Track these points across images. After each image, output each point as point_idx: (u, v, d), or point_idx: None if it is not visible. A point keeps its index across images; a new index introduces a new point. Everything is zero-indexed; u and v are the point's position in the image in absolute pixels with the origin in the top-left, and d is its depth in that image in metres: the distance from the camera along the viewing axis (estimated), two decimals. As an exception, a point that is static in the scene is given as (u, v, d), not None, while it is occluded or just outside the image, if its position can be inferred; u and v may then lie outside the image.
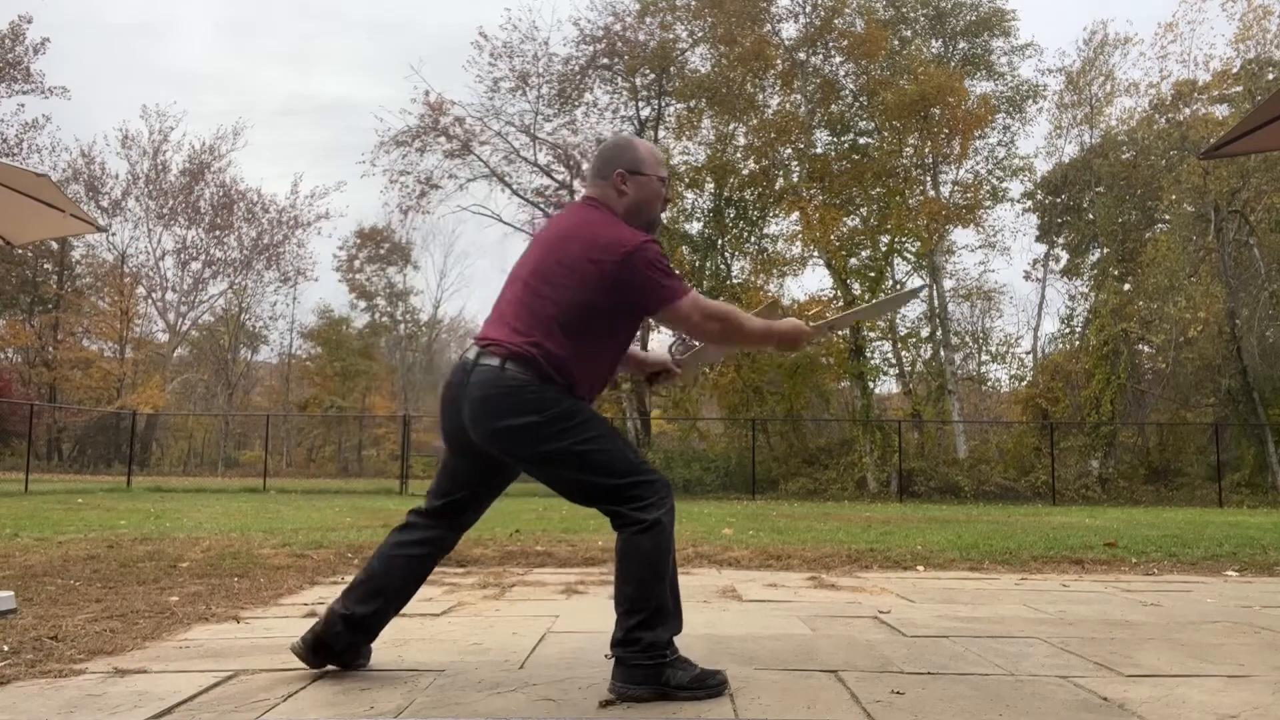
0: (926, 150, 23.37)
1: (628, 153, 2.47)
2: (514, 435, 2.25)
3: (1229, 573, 5.33)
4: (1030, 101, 25.81)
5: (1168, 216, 23.43)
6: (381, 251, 43.76)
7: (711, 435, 25.41)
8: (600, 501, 2.29)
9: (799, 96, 23.55)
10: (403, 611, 3.51)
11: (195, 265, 39.48)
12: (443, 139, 25.16)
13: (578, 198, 2.58)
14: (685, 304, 2.32)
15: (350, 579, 4.44)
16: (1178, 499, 19.20)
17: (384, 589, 2.44)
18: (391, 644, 2.89)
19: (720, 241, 24.22)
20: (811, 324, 2.46)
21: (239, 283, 40.68)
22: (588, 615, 3.52)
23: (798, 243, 23.23)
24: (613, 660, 2.25)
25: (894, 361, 24.34)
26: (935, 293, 24.91)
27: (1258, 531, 8.57)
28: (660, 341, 2.79)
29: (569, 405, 2.27)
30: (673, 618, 2.28)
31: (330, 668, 2.49)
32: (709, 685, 2.23)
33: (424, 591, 4.10)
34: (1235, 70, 22.65)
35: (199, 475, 31.46)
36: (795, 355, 23.20)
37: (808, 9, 23.45)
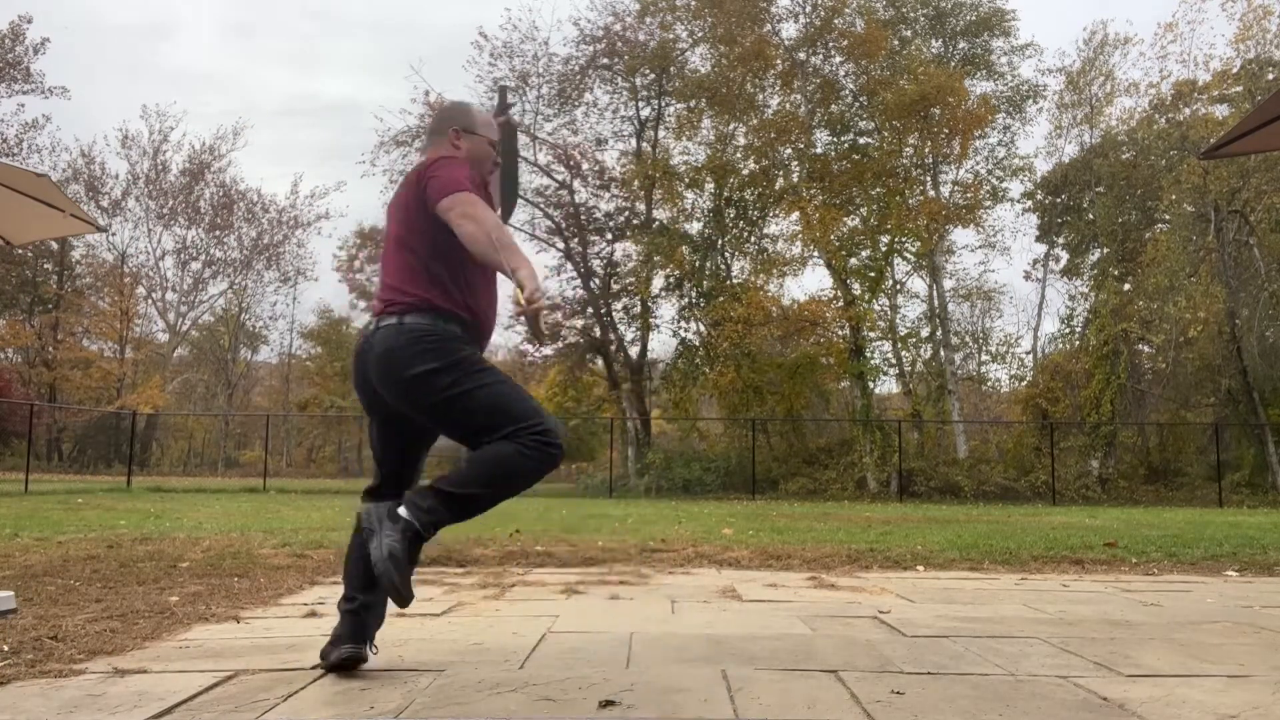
0: (926, 150, 23.36)
1: (463, 115, 2.59)
2: (416, 383, 2.29)
3: (1229, 573, 5.33)
4: (1030, 101, 25.81)
5: (1168, 216, 23.42)
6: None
7: (711, 435, 25.41)
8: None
9: (799, 96, 23.54)
10: (402, 611, 3.52)
11: (195, 265, 39.54)
12: (443, 139, 25.13)
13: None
14: (449, 200, 2.27)
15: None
16: (1178, 499, 19.19)
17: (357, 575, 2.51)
18: (391, 644, 2.89)
19: (720, 241, 24.20)
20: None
21: (239, 283, 40.73)
22: (588, 615, 3.52)
23: (798, 243, 23.23)
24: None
25: (894, 361, 24.33)
26: (935, 293, 24.92)
27: (1258, 531, 8.57)
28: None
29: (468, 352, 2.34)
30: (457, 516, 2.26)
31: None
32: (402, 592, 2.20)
33: (424, 592, 4.11)
34: (1235, 70, 22.65)
35: (199, 475, 31.47)
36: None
37: (808, 9, 23.44)
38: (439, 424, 2.40)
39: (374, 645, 2.51)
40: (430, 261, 2.35)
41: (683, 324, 24.62)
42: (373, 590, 2.43)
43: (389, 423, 2.48)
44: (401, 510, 2.22)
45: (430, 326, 2.31)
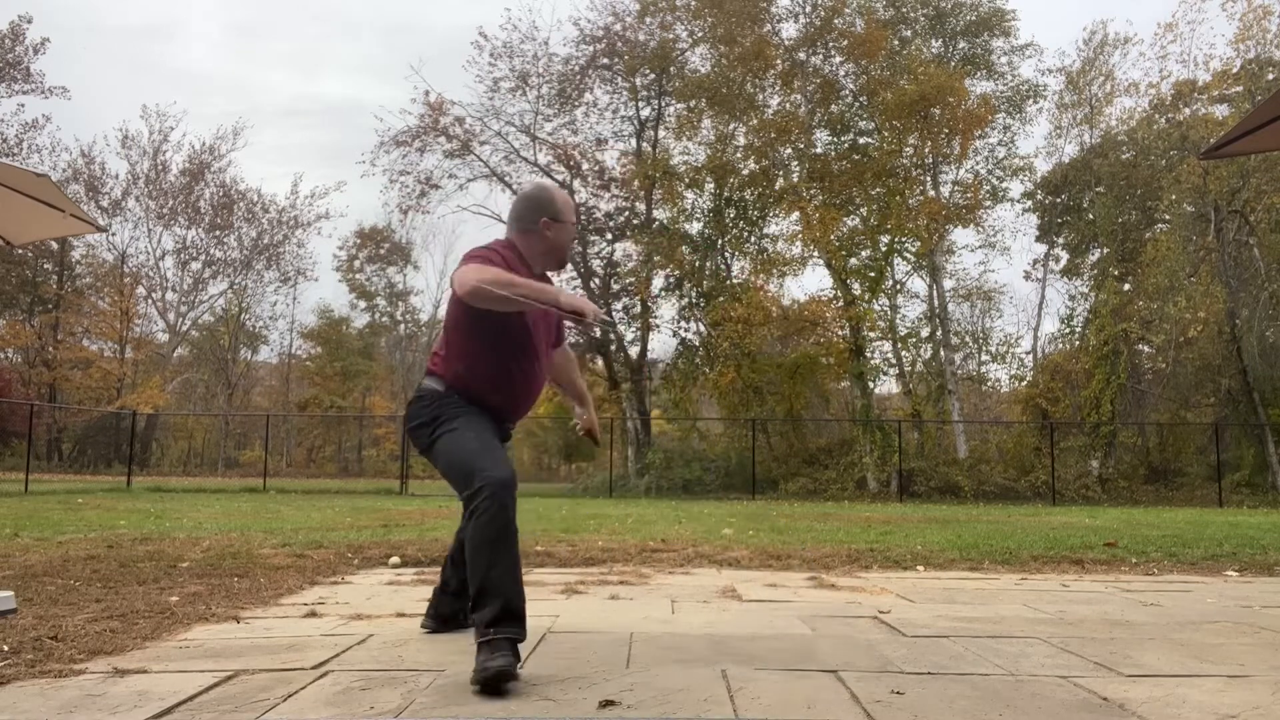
0: (926, 150, 23.36)
1: (550, 205, 2.84)
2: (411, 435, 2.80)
3: (1229, 573, 5.33)
4: (1030, 101, 25.82)
5: (1168, 216, 23.42)
6: (381, 251, 43.80)
7: (711, 435, 25.41)
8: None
9: (799, 96, 23.54)
10: (402, 612, 3.52)
11: (195, 265, 39.54)
12: (443, 139, 25.15)
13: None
14: (455, 286, 2.54)
15: (350, 579, 4.44)
16: (1178, 499, 19.19)
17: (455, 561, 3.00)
18: (392, 644, 2.89)
19: (720, 241, 24.21)
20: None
21: (239, 283, 40.73)
22: (588, 615, 3.52)
23: (798, 243, 23.23)
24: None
25: (894, 361, 24.34)
26: (935, 293, 24.92)
27: (1258, 531, 8.57)
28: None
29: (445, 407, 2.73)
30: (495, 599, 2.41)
31: (331, 667, 2.52)
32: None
33: (424, 591, 4.11)
34: (1235, 70, 22.64)
35: (199, 475, 31.47)
36: (794, 357, 23.22)
37: (808, 9, 23.45)
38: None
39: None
40: (449, 341, 2.78)
41: (683, 324, 24.65)
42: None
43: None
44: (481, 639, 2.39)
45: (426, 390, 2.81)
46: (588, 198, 25.98)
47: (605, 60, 24.80)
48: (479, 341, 2.72)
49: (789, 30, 23.77)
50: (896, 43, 24.53)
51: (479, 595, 2.41)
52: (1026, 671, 2.56)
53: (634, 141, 25.71)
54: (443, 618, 3.11)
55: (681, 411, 24.02)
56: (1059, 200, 26.90)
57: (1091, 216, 24.99)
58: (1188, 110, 23.67)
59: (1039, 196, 27.29)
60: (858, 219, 23.44)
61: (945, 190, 24.76)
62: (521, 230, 2.82)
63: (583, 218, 25.54)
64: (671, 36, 24.41)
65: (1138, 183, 23.93)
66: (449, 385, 2.74)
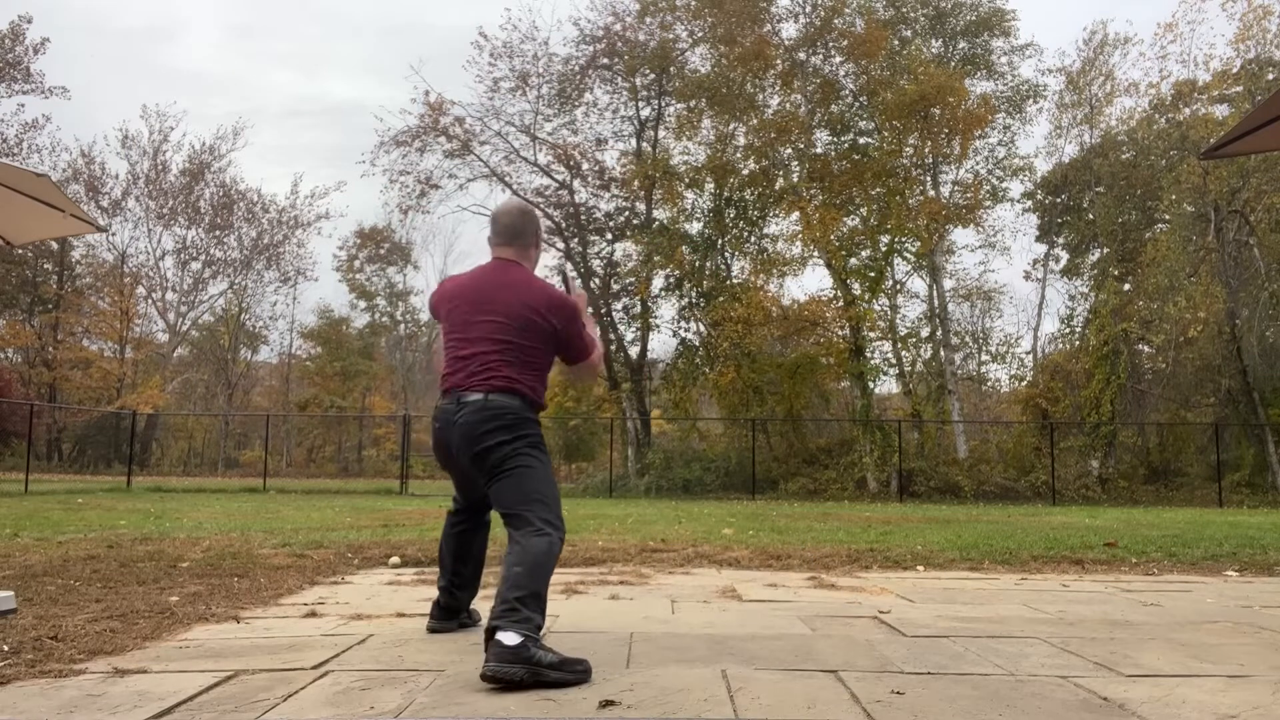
0: (926, 150, 23.34)
1: (537, 222, 3.13)
2: (488, 452, 2.79)
3: (1229, 573, 5.33)
4: (1030, 101, 25.80)
5: (1168, 216, 23.41)
6: (381, 251, 43.77)
7: (711, 435, 25.40)
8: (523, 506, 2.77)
9: (799, 96, 23.53)
10: (402, 612, 3.52)
11: (195, 265, 39.52)
12: (443, 139, 25.13)
13: (495, 257, 3.04)
14: (596, 357, 3.09)
15: (350, 579, 4.44)
16: (1178, 499, 19.19)
17: (442, 561, 3.20)
18: (392, 644, 2.89)
19: (720, 241, 24.20)
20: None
21: (239, 283, 40.71)
22: (588, 615, 3.52)
23: (798, 243, 23.21)
24: (485, 635, 2.45)
25: (894, 361, 24.31)
26: (935, 293, 24.91)
27: (1258, 531, 8.57)
28: None
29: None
30: (542, 612, 2.56)
31: (331, 667, 2.52)
32: (575, 670, 2.41)
33: (424, 592, 4.11)
34: (1235, 70, 22.63)
35: (199, 475, 31.46)
36: (794, 356, 23.25)
37: (808, 9, 23.43)
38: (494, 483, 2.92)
39: (472, 614, 3.27)
40: (530, 364, 2.93)
41: (683, 324, 24.63)
42: (461, 571, 3.17)
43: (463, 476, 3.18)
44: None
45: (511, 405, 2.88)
46: (588, 198, 25.99)
47: (605, 60, 24.78)
48: (545, 376, 3.00)
49: (789, 30, 23.77)
50: (896, 43, 24.51)
51: (534, 600, 2.51)
52: (1026, 671, 2.56)
53: (634, 141, 25.71)
54: (454, 611, 3.19)
55: (681, 411, 24.01)
56: (1059, 200, 26.90)
57: (1091, 216, 24.98)
58: (1188, 110, 23.66)
59: (1039, 196, 27.29)
60: (858, 219, 23.43)
61: (945, 190, 24.75)
62: (529, 245, 3.06)
63: (583, 217, 25.55)
64: (671, 36, 24.39)
65: (1138, 183, 23.92)
66: (531, 407, 2.87)
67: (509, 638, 2.35)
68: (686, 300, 24.26)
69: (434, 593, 4.11)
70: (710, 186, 24.09)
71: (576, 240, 25.44)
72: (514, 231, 3.02)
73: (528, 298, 2.88)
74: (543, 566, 2.59)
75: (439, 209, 54.96)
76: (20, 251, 33.24)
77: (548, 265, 25.10)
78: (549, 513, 2.72)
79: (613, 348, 24.72)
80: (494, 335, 2.86)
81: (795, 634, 3.14)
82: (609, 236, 25.71)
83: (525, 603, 2.46)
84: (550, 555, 2.63)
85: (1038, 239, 28.79)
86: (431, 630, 3.14)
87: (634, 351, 25.10)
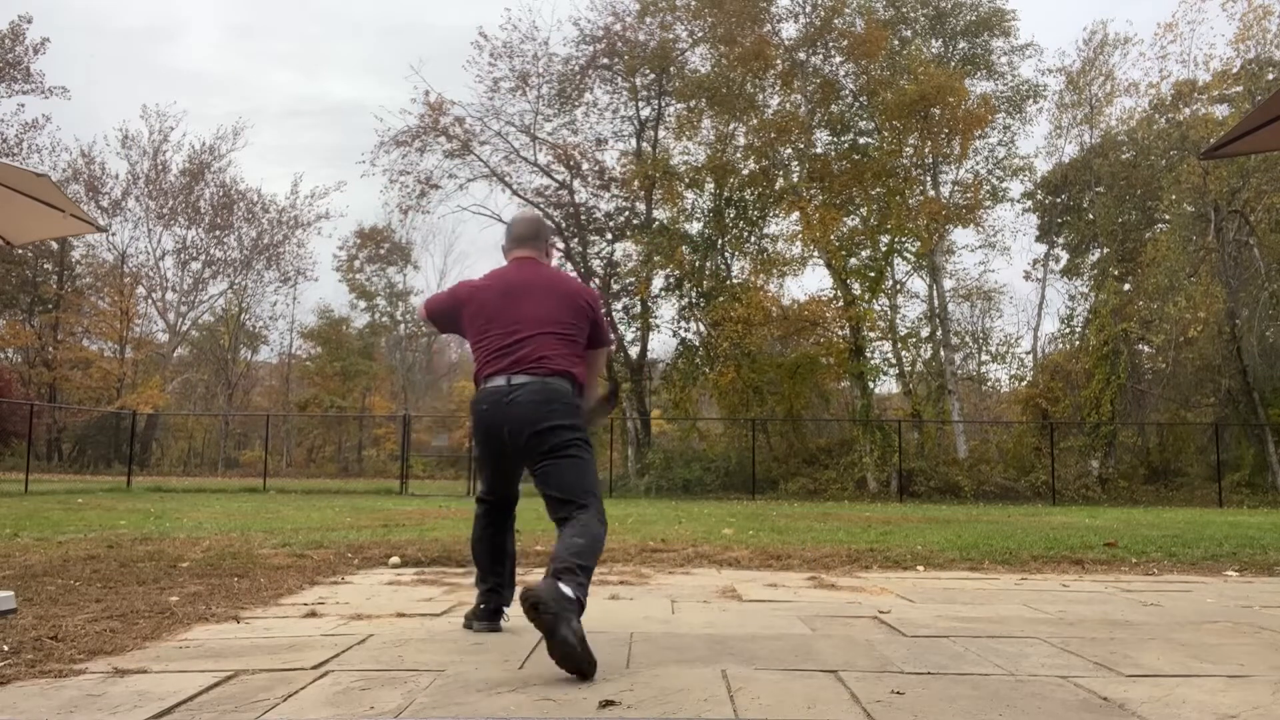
0: (926, 150, 23.34)
1: (550, 230, 3.39)
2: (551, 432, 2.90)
3: (1229, 573, 5.33)
4: (1030, 101, 25.80)
5: (1168, 216, 23.40)
6: (381, 251, 43.72)
7: (711, 435, 25.39)
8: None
9: (799, 96, 23.52)
10: (402, 612, 3.52)
11: (195, 265, 39.51)
12: (443, 139, 25.13)
13: (517, 257, 3.21)
14: (610, 344, 3.46)
15: (350, 579, 4.44)
16: (1178, 499, 19.19)
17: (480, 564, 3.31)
18: (392, 644, 2.89)
19: (720, 241, 24.19)
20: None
21: (239, 283, 40.69)
22: (588, 615, 3.51)
23: (798, 243, 23.21)
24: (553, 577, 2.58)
25: (894, 361, 24.31)
26: (935, 293, 24.91)
27: (1258, 531, 8.57)
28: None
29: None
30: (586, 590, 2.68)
31: (331, 667, 2.52)
32: (587, 660, 2.45)
33: (424, 592, 4.11)
34: (1235, 70, 22.62)
35: (199, 475, 31.46)
36: (794, 357, 23.26)
37: (808, 9, 23.42)
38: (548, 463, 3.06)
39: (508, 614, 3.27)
40: (581, 354, 3.16)
41: (683, 324, 24.62)
42: (500, 571, 3.25)
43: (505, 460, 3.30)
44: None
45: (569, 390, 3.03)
46: (588, 198, 25.98)
47: (605, 60, 24.78)
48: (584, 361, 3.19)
49: (789, 30, 23.76)
50: (896, 43, 24.51)
51: (586, 573, 2.66)
52: (1026, 671, 2.56)
53: (634, 141, 25.70)
54: (499, 611, 3.25)
55: (681, 411, 24.00)
56: (1059, 200, 26.89)
57: (1091, 216, 24.98)
58: (1188, 110, 23.65)
59: (1039, 196, 27.28)
60: (858, 219, 23.43)
61: (945, 190, 24.75)
62: (545, 248, 3.27)
63: (583, 217, 25.55)
64: (671, 36, 24.39)
65: (1138, 183, 23.92)
66: (579, 392, 3.04)
67: (566, 588, 2.50)
68: (686, 300, 24.26)
69: (433, 591, 4.13)
70: (710, 186, 24.09)
71: (576, 240, 25.44)
72: (532, 234, 3.23)
73: (565, 286, 3.12)
74: (599, 548, 2.79)
75: (439, 209, 54.90)
76: (20, 251, 33.24)
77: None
78: (602, 510, 2.93)
79: (613, 347, 24.71)
80: (542, 322, 2.99)
81: (795, 634, 3.14)
82: (609, 236, 25.71)
83: (584, 570, 2.63)
84: (603, 543, 2.85)
85: (1038, 239, 28.80)
86: (488, 631, 3.17)
87: (634, 351, 25.09)
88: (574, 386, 2.98)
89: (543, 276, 3.13)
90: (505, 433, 2.91)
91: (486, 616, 3.21)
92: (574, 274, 25.07)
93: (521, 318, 3.00)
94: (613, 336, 3.39)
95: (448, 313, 3.21)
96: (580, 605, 2.50)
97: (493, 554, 3.24)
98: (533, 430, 2.86)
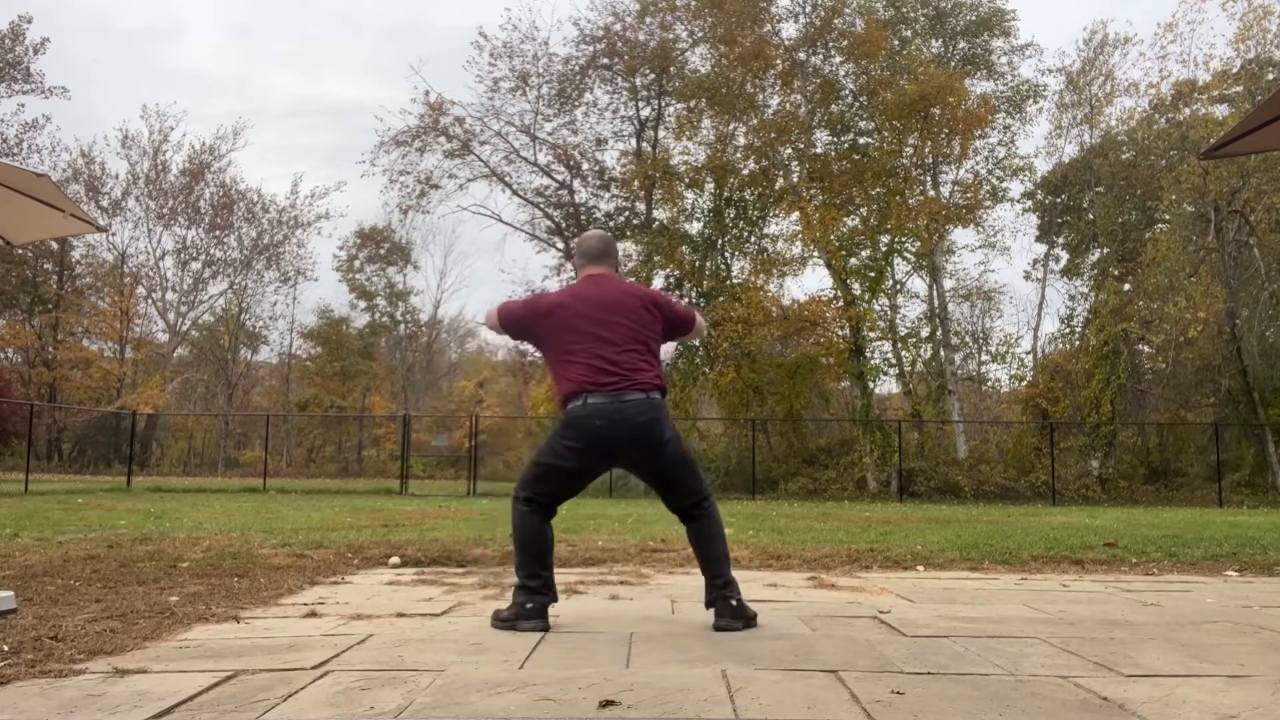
0: (926, 150, 23.35)
1: (616, 245, 3.60)
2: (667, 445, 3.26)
3: (1229, 573, 5.33)
4: (1030, 101, 25.82)
5: (1168, 216, 23.40)
6: (381, 251, 43.71)
7: (711, 435, 25.40)
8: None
9: (799, 96, 23.53)
10: (402, 612, 3.52)
11: (195, 265, 39.50)
12: (443, 139, 25.15)
13: (592, 273, 3.44)
14: (699, 321, 3.69)
15: (350, 579, 4.44)
16: (1178, 499, 19.19)
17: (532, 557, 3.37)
18: (392, 644, 2.89)
19: (720, 241, 24.20)
20: None
21: (239, 283, 40.68)
22: (587, 615, 3.52)
23: (798, 243, 23.23)
24: (715, 600, 3.23)
25: (894, 361, 24.32)
26: (935, 293, 24.91)
27: (1258, 531, 8.57)
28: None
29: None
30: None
31: (331, 667, 2.52)
32: (754, 620, 3.26)
33: (424, 592, 4.11)
34: (1235, 70, 22.62)
35: (199, 475, 31.45)
36: (794, 356, 23.26)
37: (808, 9, 23.43)
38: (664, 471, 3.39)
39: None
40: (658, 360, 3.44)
41: (682, 324, 24.60)
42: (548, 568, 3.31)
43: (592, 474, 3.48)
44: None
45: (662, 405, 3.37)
46: (588, 198, 26.00)
47: (605, 60, 24.80)
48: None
49: (789, 30, 23.78)
50: (896, 43, 24.52)
51: (729, 564, 3.34)
52: (1026, 671, 2.56)
53: (634, 141, 25.72)
54: (546, 608, 3.27)
55: (681, 411, 24.00)
56: (1059, 200, 26.90)
57: (1091, 216, 24.98)
58: (1188, 110, 23.65)
59: (1039, 196, 27.29)
60: (858, 219, 23.44)
61: (945, 190, 24.76)
62: (616, 263, 3.54)
63: (583, 217, 25.55)
64: (671, 36, 24.40)
65: (1138, 183, 23.92)
66: (664, 397, 3.37)
67: (734, 600, 3.19)
68: (686, 300, 24.26)
69: (433, 591, 4.12)
70: (710, 186, 24.10)
71: (577, 240, 25.46)
72: (604, 250, 3.49)
73: (638, 295, 3.40)
74: (723, 533, 3.36)
75: (439, 209, 54.82)
76: (20, 251, 33.24)
77: (547, 265, 24.93)
78: (706, 483, 3.39)
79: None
80: (631, 338, 3.27)
81: (795, 634, 3.14)
82: (609, 237, 25.71)
83: (729, 578, 3.27)
84: (722, 523, 3.38)
85: (1038, 239, 28.81)
86: (538, 630, 3.14)
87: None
88: (663, 397, 3.31)
89: (622, 291, 3.38)
90: (620, 447, 3.21)
91: (535, 615, 3.17)
92: (573, 274, 25.12)
93: (615, 335, 3.26)
94: (688, 304, 3.55)
95: (523, 322, 3.42)
96: (741, 601, 3.22)
97: (544, 547, 3.30)
98: (649, 445, 3.21)
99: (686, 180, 23.82)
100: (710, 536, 3.29)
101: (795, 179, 23.14)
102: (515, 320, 3.44)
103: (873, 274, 22.84)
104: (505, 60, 24.65)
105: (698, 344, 22.16)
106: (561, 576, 4.70)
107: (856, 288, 22.57)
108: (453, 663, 2.63)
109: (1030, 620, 3.48)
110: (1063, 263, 28.14)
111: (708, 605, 3.22)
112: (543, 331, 3.33)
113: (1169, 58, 36.85)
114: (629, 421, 3.17)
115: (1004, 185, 25.53)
